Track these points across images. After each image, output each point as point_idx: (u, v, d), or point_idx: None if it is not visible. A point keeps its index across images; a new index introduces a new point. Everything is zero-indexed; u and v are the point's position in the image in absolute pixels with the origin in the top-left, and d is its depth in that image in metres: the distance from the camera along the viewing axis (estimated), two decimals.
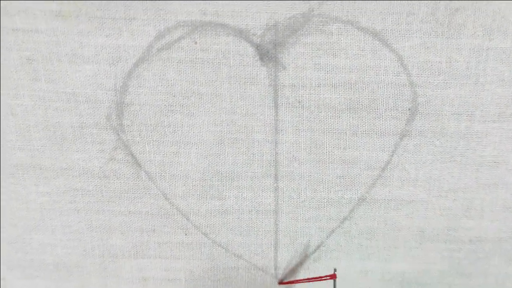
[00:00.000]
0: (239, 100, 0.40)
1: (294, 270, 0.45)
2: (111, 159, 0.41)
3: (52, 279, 0.45)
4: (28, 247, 0.44)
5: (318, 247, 0.45)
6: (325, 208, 0.43)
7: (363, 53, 0.38)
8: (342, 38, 0.38)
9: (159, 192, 0.42)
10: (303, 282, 0.45)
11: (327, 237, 0.44)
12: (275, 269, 0.45)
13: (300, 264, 0.45)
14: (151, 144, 0.41)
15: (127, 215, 0.43)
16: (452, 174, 0.42)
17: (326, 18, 0.37)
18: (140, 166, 0.41)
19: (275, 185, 0.42)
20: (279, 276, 0.46)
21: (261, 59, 0.38)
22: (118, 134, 0.40)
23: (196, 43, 0.38)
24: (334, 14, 0.37)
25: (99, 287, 0.45)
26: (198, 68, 0.38)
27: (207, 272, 0.45)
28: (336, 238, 0.44)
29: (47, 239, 0.43)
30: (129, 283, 0.45)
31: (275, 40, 0.38)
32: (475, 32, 0.38)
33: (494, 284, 0.46)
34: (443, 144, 0.41)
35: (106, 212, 0.43)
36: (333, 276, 0.42)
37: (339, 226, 0.44)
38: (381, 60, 0.38)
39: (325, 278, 0.43)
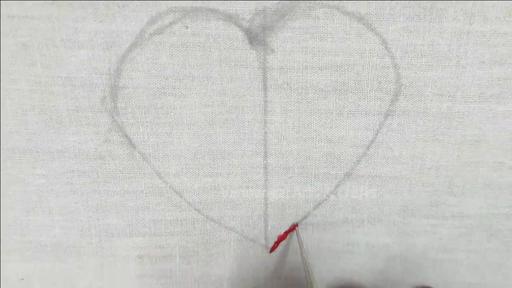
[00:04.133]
0: (229, 82, 0.40)
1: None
2: (106, 141, 0.41)
3: (50, 261, 0.45)
4: (25, 229, 0.43)
5: (305, 217, 0.45)
6: (312, 183, 0.44)
7: (348, 37, 0.38)
8: (328, 23, 0.38)
9: (153, 172, 0.42)
10: (279, 242, 0.45)
11: (313, 209, 0.45)
12: (266, 239, 0.46)
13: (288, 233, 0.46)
14: (145, 125, 0.41)
15: (122, 195, 0.43)
16: (435, 152, 0.42)
17: (313, 3, 0.37)
18: (135, 147, 0.41)
19: (264, 162, 0.43)
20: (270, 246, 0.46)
21: (250, 43, 0.38)
22: (113, 117, 0.40)
23: (187, 27, 0.38)
24: None
25: (96, 266, 0.45)
26: (190, 51, 0.38)
27: (201, 246, 0.45)
28: (322, 210, 0.45)
29: (44, 220, 0.43)
30: (125, 262, 0.46)
31: (263, 24, 0.38)
32: (456, 16, 0.38)
33: (476, 258, 0.47)
34: (425, 123, 0.41)
35: (102, 192, 0.43)
36: (293, 228, 0.44)
37: (325, 200, 0.44)
38: (366, 43, 0.39)
39: (289, 231, 0.45)
